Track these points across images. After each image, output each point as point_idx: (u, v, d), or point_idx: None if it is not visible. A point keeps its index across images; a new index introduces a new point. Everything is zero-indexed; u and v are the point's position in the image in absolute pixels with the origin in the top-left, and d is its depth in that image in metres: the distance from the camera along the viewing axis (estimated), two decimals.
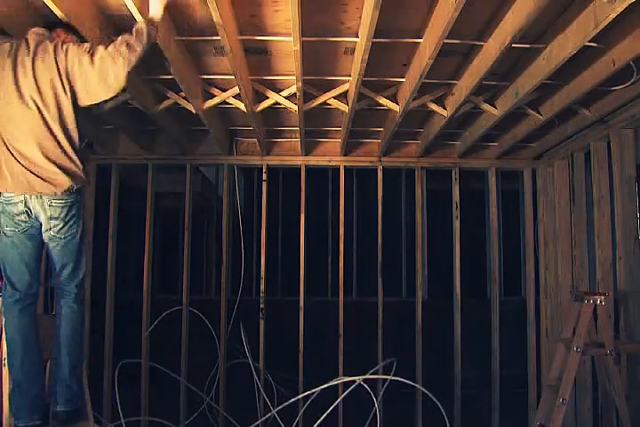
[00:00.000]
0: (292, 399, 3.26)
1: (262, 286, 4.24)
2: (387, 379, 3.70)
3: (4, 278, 2.27)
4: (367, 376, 3.30)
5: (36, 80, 2.07)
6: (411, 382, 3.23)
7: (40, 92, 2.08)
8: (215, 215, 7.03)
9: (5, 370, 2.28)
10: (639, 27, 2.18)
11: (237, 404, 4.07)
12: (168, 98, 3.14)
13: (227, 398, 4.11)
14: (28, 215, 2.18)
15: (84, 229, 2.36)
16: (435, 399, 3.07)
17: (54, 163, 2.13)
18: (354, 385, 3.28)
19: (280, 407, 3.20)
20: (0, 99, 2.09)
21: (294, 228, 4.42)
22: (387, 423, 4.03)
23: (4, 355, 2.27)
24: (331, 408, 3.04)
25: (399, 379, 3.20)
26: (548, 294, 4.17)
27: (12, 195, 2.14)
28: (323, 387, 3.31)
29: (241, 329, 4.07)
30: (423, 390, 3.53)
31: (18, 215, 2.17)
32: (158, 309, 4.20)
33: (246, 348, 3.98)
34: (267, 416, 3.30)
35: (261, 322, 4.14)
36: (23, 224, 2.18)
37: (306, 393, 3.22)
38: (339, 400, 3.05)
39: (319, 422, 3.01)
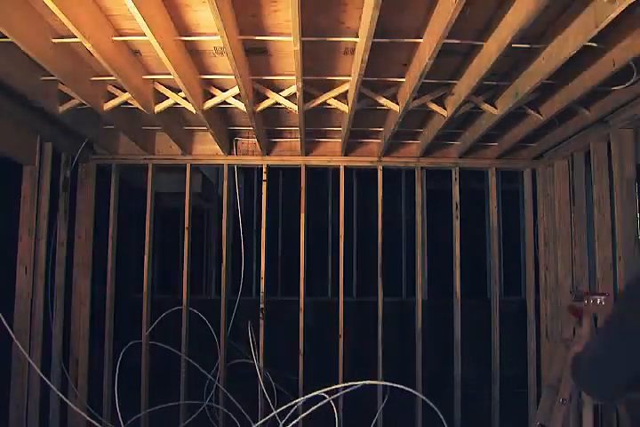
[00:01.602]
0: (292, 403, 3.24)
1: (262, 286, 4.25)
2: (387, 391, 3.69)
3: None
4: (362, 382, 3.29)
5: None
6: (408, 389, 3.21)
7: None
8: (215, 215, 7.04)
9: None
10: (639, 27, 2.18)
11: (238, 404, 4.07)
12: (168, 98, 3.14)
13: (227, 399, 4.10)
14: None
15: None
16: (433, 406, 3.06)
17: None
18: (337, 396, 3.28)
19: (283, 408, 3.20)
20: None
21: (294, 228, 4.42)
22: (387, 423, 4.04)
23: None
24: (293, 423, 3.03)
25: (398, 386, 3.18)
26: (547, 294, 4.17)
27: None
28: (296, 402, 3.28)
29: (249, 329, 4.06)
30: (422, 396, 3.52)
31: None
32: (158, 309, 4.20)
33: (252, 348, 3.97)
34: (268, 417, 3.29)
35: (261, 322, 4.14)
36: None
37: (280, 408, 3.21)
38: (304, 415, 3.05)
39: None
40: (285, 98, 3.10)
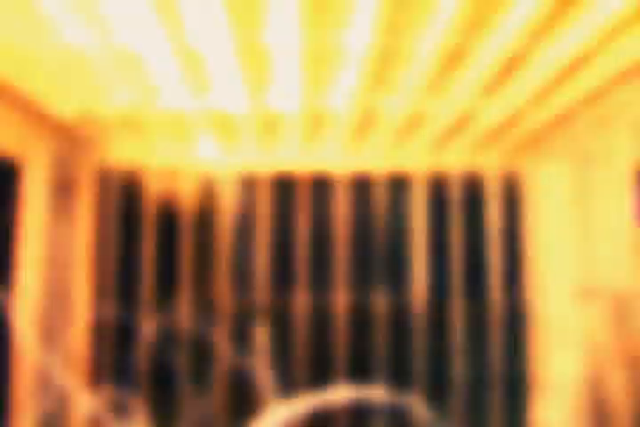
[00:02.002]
0: (289, 404, 3.23)
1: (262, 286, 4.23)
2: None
3: None
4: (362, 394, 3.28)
5: None
6: (405, 396, 3.20)
7: None
8: (215, 216, 7.04)
9: None
10: None
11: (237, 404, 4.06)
12: None
13: (226, 399, 4.10)
14: None
15: None
16: (430, 412, 3.05)
17: None
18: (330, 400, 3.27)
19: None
20: None
21: (294, 228, 4.41)
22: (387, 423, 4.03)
23: None
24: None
25: (394, 396, 3.17)
26: (548, 294, 4.16)
27: None
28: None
29: (252, 327, 4.05)
30: (415, 405, 3.51)
31: None
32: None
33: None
34: (267, 416, 3.28)
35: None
36: None
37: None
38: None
39: None
40: None
